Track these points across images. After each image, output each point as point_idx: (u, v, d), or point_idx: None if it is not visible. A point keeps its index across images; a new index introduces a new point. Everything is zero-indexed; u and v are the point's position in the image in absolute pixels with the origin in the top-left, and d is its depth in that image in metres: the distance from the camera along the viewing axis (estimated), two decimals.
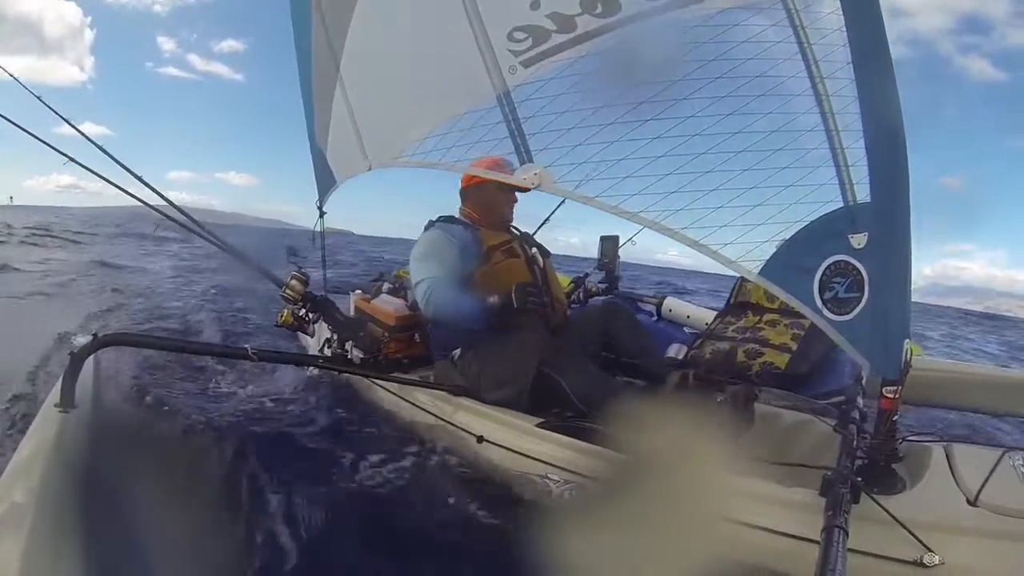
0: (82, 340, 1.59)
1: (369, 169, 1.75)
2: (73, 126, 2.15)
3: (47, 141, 1.89)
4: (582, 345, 1.96)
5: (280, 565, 1.32)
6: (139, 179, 1.91)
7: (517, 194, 2.18)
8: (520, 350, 1.78)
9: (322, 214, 2.44)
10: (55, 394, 1.49)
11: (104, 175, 1.88)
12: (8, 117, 1.85)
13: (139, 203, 1.93)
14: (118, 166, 1.92)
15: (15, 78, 1.99)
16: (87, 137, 2.05)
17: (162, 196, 2.02)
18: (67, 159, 1.85)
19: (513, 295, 1.77)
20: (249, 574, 1.26)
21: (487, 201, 2.13)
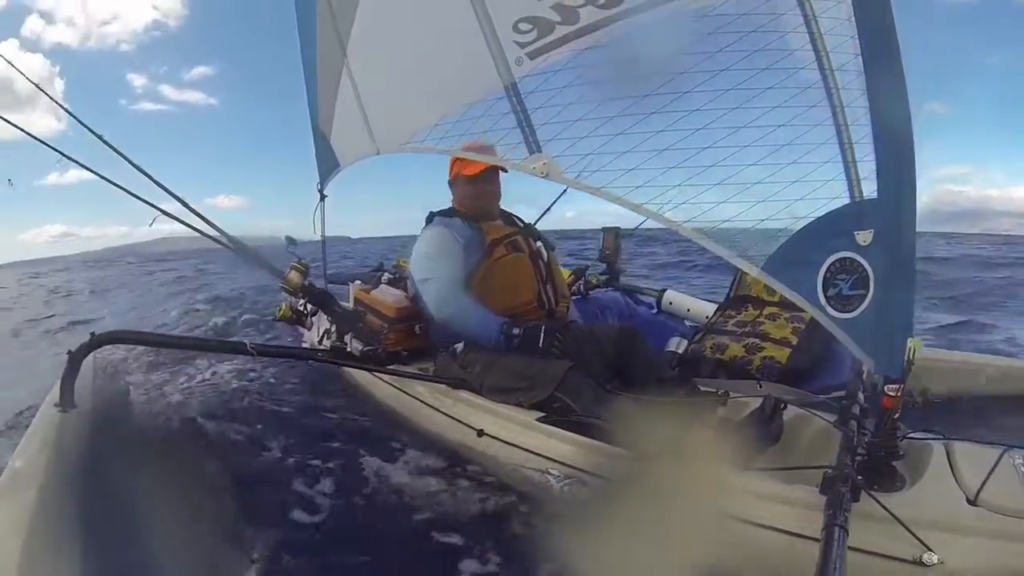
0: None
1: (377, 153, 1.74)
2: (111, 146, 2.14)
3: (50, 144, 1.90)
4: (589, 364, 1.80)
5: (279, 560, 1.33)
6: (147, 175, 1.90)
7: (503, 176, 2.08)
8: (535, 376, 1.70)
9: (323, 197, 2.41)
10: (54, 394, 1.48)
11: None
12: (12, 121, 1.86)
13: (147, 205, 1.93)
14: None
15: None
16: (106, 141, 2.05)
17: (169, 192, 2.01)
18: (63, 157, 1.85)
19: (541, 339, 1.74)
20: (249, 570, 1.27)
21: (462, 195, 2.10)
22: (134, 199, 1.95)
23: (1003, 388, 1.98)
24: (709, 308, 2.63)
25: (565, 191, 2.77)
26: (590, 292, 2.87)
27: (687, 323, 2.72)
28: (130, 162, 2.04)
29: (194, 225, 2.05)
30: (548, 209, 2.92)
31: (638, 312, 2.79)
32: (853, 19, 1.05)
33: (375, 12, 1.59)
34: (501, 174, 2.06)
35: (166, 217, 1.97)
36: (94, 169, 1.85)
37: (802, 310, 2.07)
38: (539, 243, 2.12)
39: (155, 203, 2.01)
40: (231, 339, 1.97)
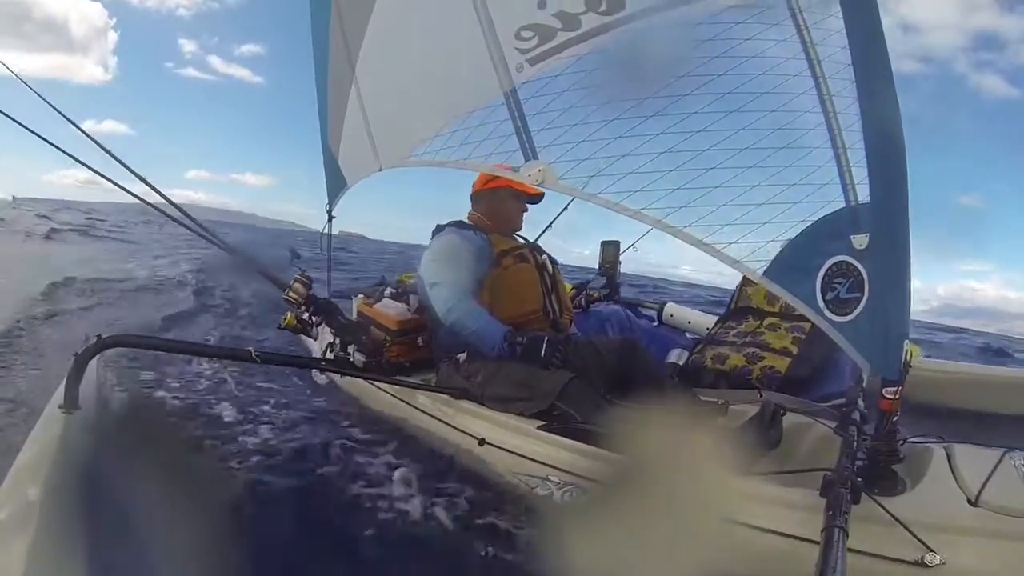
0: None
1: (380, 170, 1.76)
2: (80, 128, 2.17)
3: (52, 141, 1.91)
4: (590, 375, 1.80)
5: (280, 566, 1.32)
6: (146, 183, 1.93)
7: (528, 205, 2.19)
8: (536, 386, 1.71)
9: (331, 218, 2.44)
10: (59, 396, 1.48)
11: (110, 176, 1.90)
12: (12, 116, 1.86)
13: (145, 204, 1.95)
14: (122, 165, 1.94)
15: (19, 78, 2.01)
16: (94, 140, 2.07)
17: (169, 200, 2.04)
18: (66, 155, 1.87)
19: (544, 349, 1.75)
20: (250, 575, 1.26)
21: (499, 207, 2.14)
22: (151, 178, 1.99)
23: (1006, 402, 1.97)
24: (710, 320, 2.65)
25: (567, 207, 2.81)
26: (591, 306, 2.88)
27: (688, 335, 2.73)
28: (137, 176, 2.06)
29: (197, 230, 2.08)
30: (550, 225, 2.96)
31: (639, 325, 2.80)
32: (844, 31, 1.09)
33: (383, 29, 1.63)
34: None
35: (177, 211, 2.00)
36: (93, 167, 1.87)
37: (802, 320, 2.11)
38: (544, 257, 2.16)
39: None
40: (237, 347, 1.98)
